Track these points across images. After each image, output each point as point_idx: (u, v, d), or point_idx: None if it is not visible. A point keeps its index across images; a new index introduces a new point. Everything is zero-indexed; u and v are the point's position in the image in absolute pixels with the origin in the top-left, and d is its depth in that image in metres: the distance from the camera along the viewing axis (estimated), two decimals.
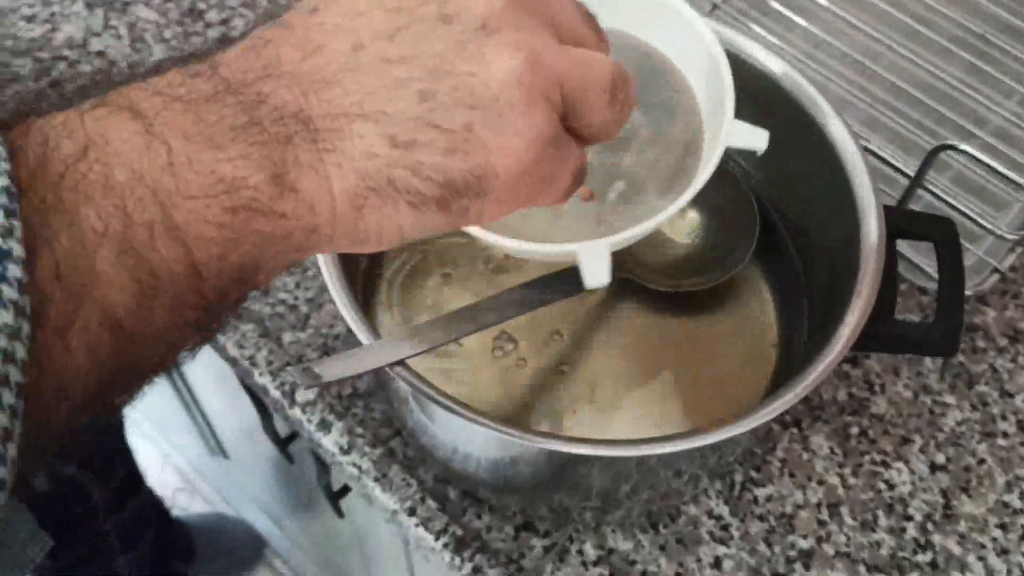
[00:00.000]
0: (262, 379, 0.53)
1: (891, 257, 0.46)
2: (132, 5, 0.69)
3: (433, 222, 0.29)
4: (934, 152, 0.50)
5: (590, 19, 0.32)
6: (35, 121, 0.25)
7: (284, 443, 0.74)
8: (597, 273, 0.34)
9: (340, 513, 0.74)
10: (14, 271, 0.22)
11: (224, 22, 0.68)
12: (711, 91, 0.40)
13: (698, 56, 0.40)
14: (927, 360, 0.57)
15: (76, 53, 0.66)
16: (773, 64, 0.50)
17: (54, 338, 0.23)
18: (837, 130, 0.48)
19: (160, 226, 0.24)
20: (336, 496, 0.71)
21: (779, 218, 0.55)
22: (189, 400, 1.07)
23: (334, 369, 0.38)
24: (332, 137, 0.27)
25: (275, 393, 0.53)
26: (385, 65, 0.27)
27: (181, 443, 1.37)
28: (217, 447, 1.21)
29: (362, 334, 0.41)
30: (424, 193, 0.28)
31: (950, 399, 0.55)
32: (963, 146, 0.49)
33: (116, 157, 0.24)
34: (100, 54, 0.66)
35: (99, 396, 0.25)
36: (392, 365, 0.40)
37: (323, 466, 0.67)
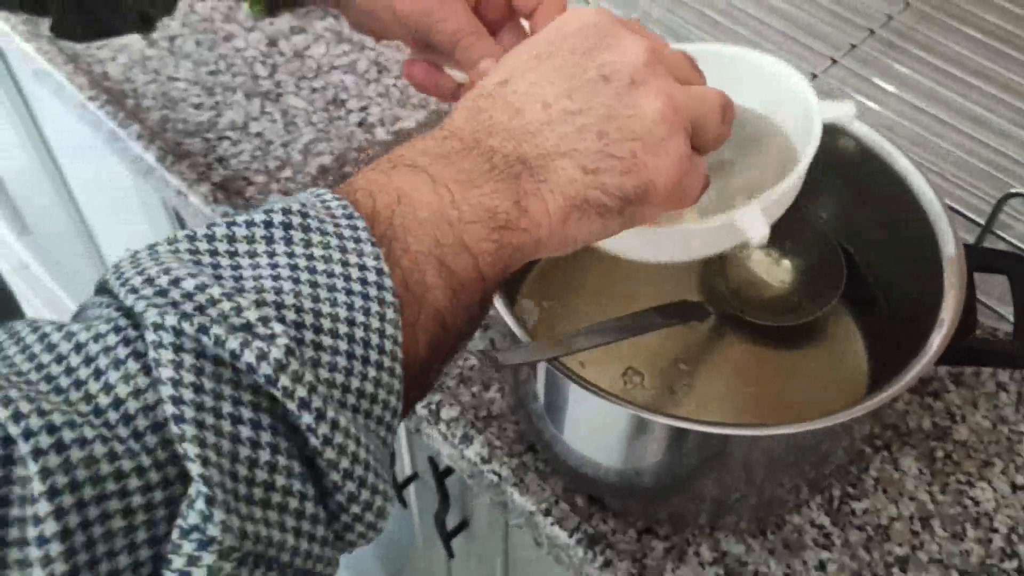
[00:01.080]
0: None
1: (970, 287, 0.53)
2: (284, 95, 0.80)
3: (613, 226, 0.39)
4: (1004, 198, 0.57)
5: (693, 63, 0.42)
6: (353, 182, 0.34)
7: (400, 487, 0.80)
8: (755, 230, 0.42)
9: (451, 553, 0.80)
10: (387, 282, 0.31)
11: (363, 109, 0.79)
12: (791, 109, 0.49)
13: (766, 84, 0.49)
14: (1002, 395, 0.63)
15: (237, 134, 0.77)
16: (856, 127, 0.58)
17: (408, 331, 0.32)
18: (916, 181, 0.56)
19: (458, 245, 0.34)
20: (450, 535, 0.77)
21: (864, 262, 0.62)
22: None
23: (508, 357, 0.46)
24: (544, 172, 0.36)
25: (422, 411, 0.60)
26: (570, 116, 0.37)
27: None
28: None
29: (523, 336, 0.49)
30: (609, 206, 0.37)
31: None
32: None
33: (419, 201, 0.34)
34: (258, 135, 0.77)
35: (421, 377, 0.34)
36: (551, 360, 0.47)
37: (444, 502, 0.74)
